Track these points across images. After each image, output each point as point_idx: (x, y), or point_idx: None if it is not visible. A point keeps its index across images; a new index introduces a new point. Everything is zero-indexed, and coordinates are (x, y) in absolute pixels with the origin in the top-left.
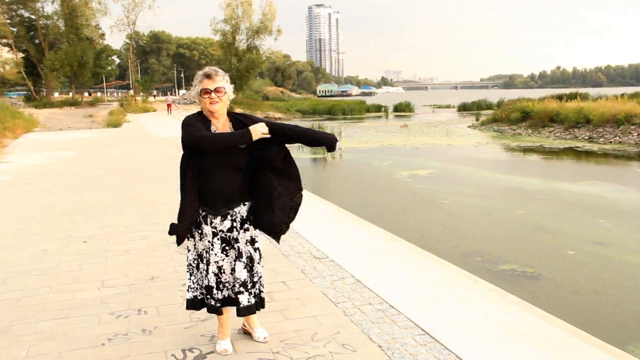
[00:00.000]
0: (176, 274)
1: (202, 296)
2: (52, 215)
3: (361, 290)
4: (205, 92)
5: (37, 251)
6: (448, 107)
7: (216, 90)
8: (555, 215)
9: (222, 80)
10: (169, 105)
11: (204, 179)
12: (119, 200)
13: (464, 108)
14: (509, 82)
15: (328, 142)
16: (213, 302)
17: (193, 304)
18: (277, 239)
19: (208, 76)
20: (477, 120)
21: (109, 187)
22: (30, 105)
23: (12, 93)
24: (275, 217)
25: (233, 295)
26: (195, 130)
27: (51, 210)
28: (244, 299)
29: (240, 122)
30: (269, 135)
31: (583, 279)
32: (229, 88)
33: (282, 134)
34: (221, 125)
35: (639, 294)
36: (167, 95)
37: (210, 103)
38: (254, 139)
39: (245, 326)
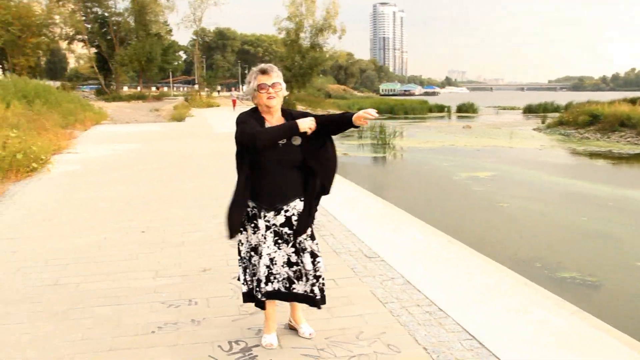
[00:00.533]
0: (228, 267)
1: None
2: (115, 205)
3: (410, 291)
4: (262, 87)
5: (98, 239)
6: (513, 109)
7: (273, 85)
8: (622, 224)
9: (277, 76)
10: (233, 102)
11: (259, 175)
12: (178, 192)
13: (529, 110)
14: (578, 85)
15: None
16: (260, 296)
17: (250, 297)
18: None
19: (264, 72)
20: (542, 123)
21: (170, 179)
22: (100, 98)
23: (84, 87)
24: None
25: (284, 289)
26: (248, 127)
27: (114, 201)
28: (301, 289)
29: (294, 117)
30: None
31: None
32: (283, 84)
33: (335, 128)
34: (275, 120)
35: None
36: (231, 91)
37: (267, 98)
38: (301, 131)
39: (291, 322)
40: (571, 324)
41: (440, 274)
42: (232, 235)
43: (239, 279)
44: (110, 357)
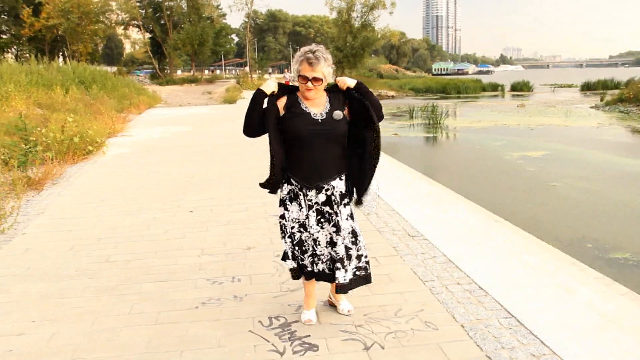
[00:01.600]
0: (272, 245)
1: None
2: (165, 186)
3: (451, 269)
4: (303, 78)
5: (148, 219)
6: (570, 86)
7: (314, 80)
8: None
9: (323, 68)
10: (286, 83)
11: (298, 149)
12: (227, 173)
13: (587, 87)
14: None
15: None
16: (306, 276)
17: (299, 271)
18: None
19: (310, 63)
20: (601, 100)
21: (219, 160)
22: (154, 82)
23: (139, 71)
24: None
25: (328, 270)
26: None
27: (165, 182)
28: (340, 276)
29: (332, 92)
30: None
31: None
32: (328, 72)
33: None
34: (317, 102)
35: None
36: (284, 72)
37: (306, 90)
38: (267, 93)
39: (331, 298)
40: (620, 306)
41: (484, 253)
42: (274, 189)
43: (283, 259)
44: (155, 331)
